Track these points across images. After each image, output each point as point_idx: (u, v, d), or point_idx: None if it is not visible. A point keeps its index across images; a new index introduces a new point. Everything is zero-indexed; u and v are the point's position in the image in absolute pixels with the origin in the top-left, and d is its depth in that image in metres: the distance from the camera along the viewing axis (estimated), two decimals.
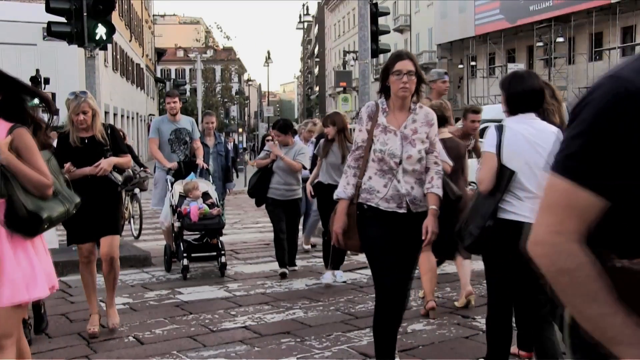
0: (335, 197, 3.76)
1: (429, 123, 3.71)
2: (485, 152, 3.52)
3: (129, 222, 10.39)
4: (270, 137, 8.37)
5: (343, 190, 3.71)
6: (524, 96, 3.50)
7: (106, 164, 4.84)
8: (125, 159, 5.10)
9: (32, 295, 3.02)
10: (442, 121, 5.08)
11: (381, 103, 3.74)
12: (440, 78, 6.27)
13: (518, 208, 3.41)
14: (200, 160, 7.43)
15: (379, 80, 3.79)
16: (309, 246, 8.76)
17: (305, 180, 7.37)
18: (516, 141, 3.42)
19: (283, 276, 6.85)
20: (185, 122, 7.70)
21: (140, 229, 10.27)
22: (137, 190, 10.18)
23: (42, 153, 3.20)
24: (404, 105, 3.70)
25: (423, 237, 3.58)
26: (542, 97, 3.58)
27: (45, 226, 3.10)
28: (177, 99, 7.68)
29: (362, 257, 7.04)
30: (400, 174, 3.60)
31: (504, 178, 3.41)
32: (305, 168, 7.09)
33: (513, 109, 3.54)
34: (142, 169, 10.44)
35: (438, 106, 5.30)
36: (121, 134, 10.97)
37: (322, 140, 6.80)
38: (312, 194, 7.12)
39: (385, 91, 3.76)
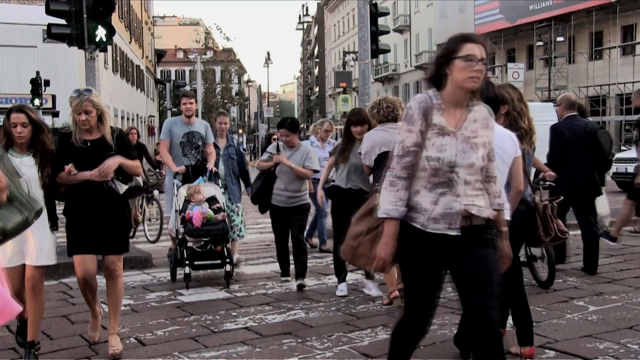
0: (383, 214, 2.97)
1: (488, 125, 3.06)
2: None
3: (143, 225, 10.15)
4: (276, 136, 8.05)
5: (395, 207, 2.94)
6: None
7: (111, 162, 4.31)
8: (135, 163, 4.53)
9: None
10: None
11: (434, 97, 3.00)
12: None
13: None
14: (210, 164, 7.09)
15: (433, 67, 3.03)
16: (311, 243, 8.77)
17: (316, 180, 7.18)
18: None
19: (286, 281, 6.77)
20: (199, 125, 7.33)
21: (160, 232, 9.56)
22: (155, 192, 9.95)
23: None
24: (462, 101, 3.00)
25: (503, 266, 3.19)
26: (497, 104, 3.85)
27: None
28: (193, 100, 7.34)
29: None
30: (460, 187, 2.93)
31: None
32: (317, 171, 6.74)
33: None
34: (157, 170, 10.32)
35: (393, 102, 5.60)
36: (134, 132, 10.95)
37: (338, 143, 6.41)
38: (324, 199, 6.92)
39: (437, 81, 3.02)
